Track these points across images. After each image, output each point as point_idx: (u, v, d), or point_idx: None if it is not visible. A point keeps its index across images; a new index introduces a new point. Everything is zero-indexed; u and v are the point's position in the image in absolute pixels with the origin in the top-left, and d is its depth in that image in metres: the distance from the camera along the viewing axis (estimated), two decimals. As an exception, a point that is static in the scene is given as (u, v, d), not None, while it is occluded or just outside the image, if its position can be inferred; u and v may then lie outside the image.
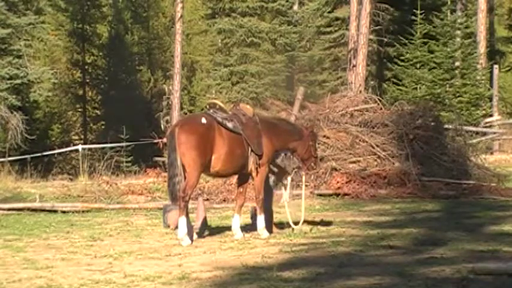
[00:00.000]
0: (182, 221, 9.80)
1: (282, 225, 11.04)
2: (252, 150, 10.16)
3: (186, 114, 37.00)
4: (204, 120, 9.99)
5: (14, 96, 28.12)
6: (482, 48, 31.64)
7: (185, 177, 9.81)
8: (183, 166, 9.80)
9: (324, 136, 16.57)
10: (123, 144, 26.83)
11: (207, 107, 10.57)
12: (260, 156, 10.24)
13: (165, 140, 22.09)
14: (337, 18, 36.12)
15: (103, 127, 42.94)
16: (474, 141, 20.53)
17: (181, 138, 9.79)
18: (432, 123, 17.07)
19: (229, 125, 10.09)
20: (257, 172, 10.29)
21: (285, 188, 11.06)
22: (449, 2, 32.73)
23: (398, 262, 8.10)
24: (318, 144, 13.95)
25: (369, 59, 31.09)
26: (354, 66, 26.74)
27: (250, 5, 36.12)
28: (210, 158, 9.89)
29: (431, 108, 18.48)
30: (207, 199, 14.26)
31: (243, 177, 10.48)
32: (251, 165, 10.22)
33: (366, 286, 7.05)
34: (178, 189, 9.80)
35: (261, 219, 10.39)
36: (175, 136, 9.83)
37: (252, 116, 10.39)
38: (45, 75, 30.17)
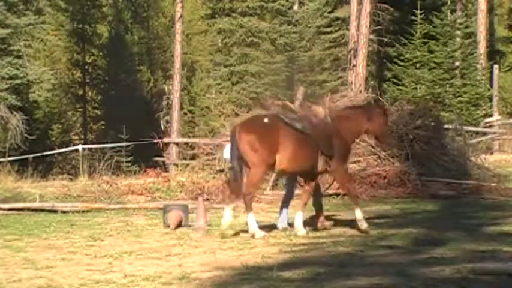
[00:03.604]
0: (250, 217, 10.14)
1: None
2: (321, 150, 10.25)
3: (185, 114, 37.11)
4: (266, 120, 10.22)
5: (14, 96, 28.12)
6: (482, 48, 31.66)
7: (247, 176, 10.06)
8: (246, 164, 10.05)
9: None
10: (123, 144, 26.86)
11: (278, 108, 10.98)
12: (331, 157, 10.32)
13: (165, 140, 22.19)
14: (337, 18, 36.12)
15: (103, 127, 42.93)
16: (474, 141, 20.52)
17: (243, 138, 10.04)
18: (432, 123, 17.06)
19: (298, 125, 10.21)
20: (334, 174, 10.53)
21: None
22: (449, 2, 32.74)
23: (398, 262, 8.10)
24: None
25: (369, 59, 31.11)
26: (354, 66, 26.75)
27: (250, 5, 36.10)
28: (274, 157, 10.04)
29: (431, 108, 18.48)
30: (207, 199, 14.25)
31: (310, 176, 10.61)
32: (321, 166, 10.34)
33: (366, 286, 7.05)
34: (238, 187, 10.10)
35: (358, 213, 10.46)
36: (237, 135, 10.09)
37: (324, 117, 10.50)
38: (45, 75, 30.16)
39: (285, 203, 11.10)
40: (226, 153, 11.73)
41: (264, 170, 10.24)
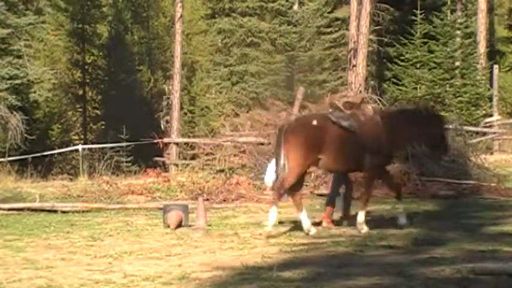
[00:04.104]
0: (303, 215, 10.30)
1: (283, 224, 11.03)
2: (368, 149, 10.33)
3: (185, 114, 37.10)
4: (315, 122, 10.36)
5: (14, 96, 28.12)
6: (482, 48, 31.64)
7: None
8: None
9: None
10: (123, 144, 26.86)
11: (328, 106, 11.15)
12: (377, 155, 10.40)
13: (165, 140, 22.19)
14: (337, 19, 36.12)
15: (103, 127, 42.94)
16: (474, 141, 20.50)
17: (288, 138, 10.21)
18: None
19: (345, 123, 10.29)
20: (371, 170, 10.56)
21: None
22: (449, 2, 32.74)
23: (398, 262, 8.10)
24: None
25: (369, 59, 31.09)
26: (354, 66, 26.73)
27: (250, 5, 36.11)
28: (316, 156, 10.21)
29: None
30: (207, 199, 14.24)
31: (364, 174, 10.82)
32: (367, 164, 10.43)
33: (366, 286, 7.05)
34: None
35: (361, 215, 10.56)
36: (283, 134, 10.27)
37: (373, 116, 10.57)
38: (45, 75, 30.17)
39: (346, 197, 11.35)
40: (268, 176, 11.77)
41: (302, 171, 10.39)
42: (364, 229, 10.42)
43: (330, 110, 10.67)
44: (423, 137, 10.88)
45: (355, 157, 10.36)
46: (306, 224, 10.30)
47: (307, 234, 10.18)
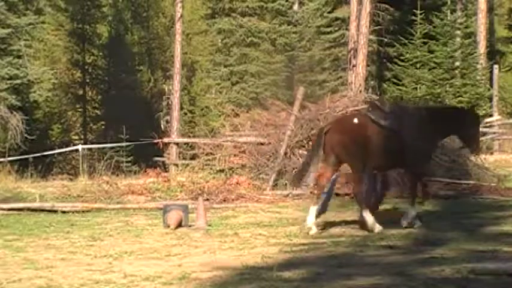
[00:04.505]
0: (366, 213, 10.49)
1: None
2: (409, 147, 10.53)
3: (185, 114, 37.13)
4: (356, 120, 10.68)
5: (14, 96, 28.12)
6: (482, 48, 31.62)
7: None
8: (339, 162, 10.65)
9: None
10: (123, 144, 26.85)
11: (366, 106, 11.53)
12: (417, 152, 10.58)
13: (165, 140, 22.18)
14: (337, 18, 36.09)
15: (103, 127, 42.94)
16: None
17: (335, 138, 10.53)
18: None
19: (385, 122, 10.53)
20: (413, 167, 10.77)
21: None
22: (449, 2, 32.71)
23: (399, 262, 8.10)
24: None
25: (369, 59, 31.06)
26: (354, 66, 26.73)
27: (250, 5, 36.11)
28: (363, 154, 10.44)
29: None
30: (207, 199, 14.24)
31: (408, 172, 11.09)
32: (409, 161, 10.67)
33: (366, 286, 7.05)
34: (304, 179, 10.82)
35: (412, 211, 10.75)
36: (326, 135, 10.55)
37: (412, 114, 10.91)
38: (45, 75, 30.17)
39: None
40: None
41: (361, 166, 10.58)
42: (417, 223, 10.66)
43: (370, 109, 10.95)
44: (459, 136, 11.33)
45: (396, 155, 10.59)
46: (370, 221, 10.45)
47: (372, 231, 10.31)
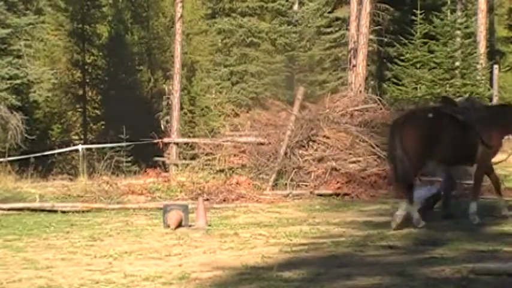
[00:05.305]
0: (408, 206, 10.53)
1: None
2: (482, 142, 10.75)
3: (185, 114, 37.12)
4: (430, 115, 10.76)
5: (14, 96, 28.14)
6: (482, 48, 31.61)
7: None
8: (407, 155, 10.46)
9: (324, 136, 16.58)
10: (123, 144, 26.81)
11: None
12: (489, 148, 10.86)
13: (165, 140, 22.17)
14: (337, 18, 36.10)
15: (103, 127, 42.95)
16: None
17: (407, 131, 10.52)
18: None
19: (461, 117, 10.71)
20: (482, 162, 10.99)
21: None
22: (449, 2, 32.72)
23: (399, 262, 8.10)
24: (319, 144, 14.36)
25: (369, 59, 31.08)
26: (354, 66, 26.73)
27: (250, 5, 36.11)
28: (434, 148, 10.53)
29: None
30: (207, 199, 14.24)
31: (475, 166, 11.20)
32: (479, 156, 10.87)
33: (366, 286, 7.05)
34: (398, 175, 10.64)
35: (473, 206, 10.90)
36: (400, 128, 10.57)
37: (484, 110, 11.25)
38: (45, 75, 30.19)
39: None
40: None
41: (423, 162, 10.66)
42: (476, 220, 10.73)
43: (442, 104, 11.21)
44: None
45: (467, 149, 10.76)
46: (415, 216, 10.50)
47: (418, 226, 10.34)
